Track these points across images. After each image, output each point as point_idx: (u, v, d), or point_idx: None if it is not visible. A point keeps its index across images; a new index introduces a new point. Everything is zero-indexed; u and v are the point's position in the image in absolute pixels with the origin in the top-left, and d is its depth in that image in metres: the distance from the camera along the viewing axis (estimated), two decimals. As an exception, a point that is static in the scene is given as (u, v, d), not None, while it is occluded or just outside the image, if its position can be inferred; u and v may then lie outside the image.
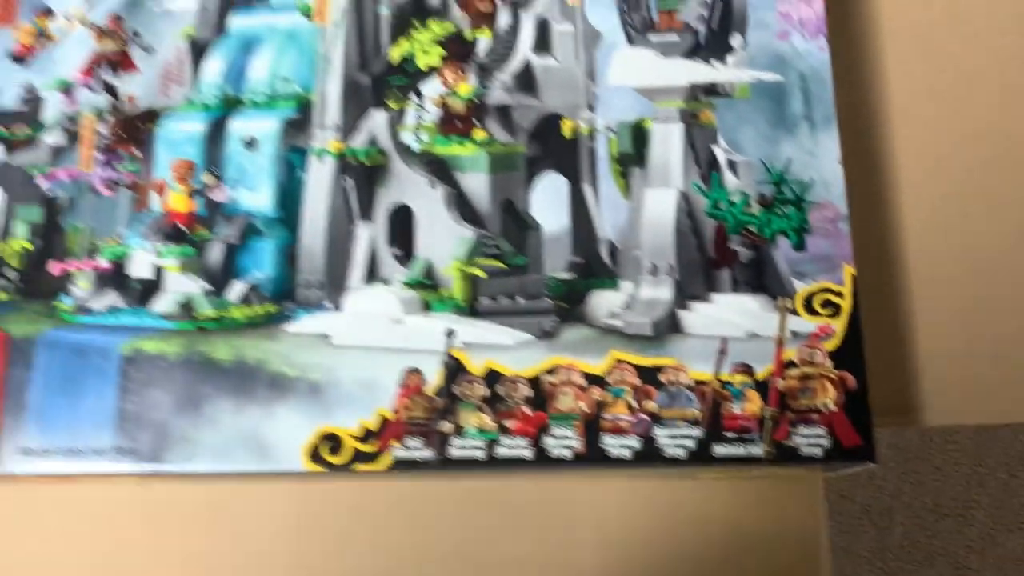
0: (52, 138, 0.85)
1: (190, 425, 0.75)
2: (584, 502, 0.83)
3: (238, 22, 0.89)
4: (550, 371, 0.75)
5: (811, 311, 0.77)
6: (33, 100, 0.86)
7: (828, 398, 0.74)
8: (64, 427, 0.76)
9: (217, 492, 0.83)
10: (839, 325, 0.76)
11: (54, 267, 0.81)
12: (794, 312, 0.76)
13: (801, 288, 0.77)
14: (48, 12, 0.87)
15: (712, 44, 0.83)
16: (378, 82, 0.85)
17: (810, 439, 0.73)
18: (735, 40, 0.83)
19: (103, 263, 0.81)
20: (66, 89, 0.85)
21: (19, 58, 0.86)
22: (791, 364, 0.75)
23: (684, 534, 0.84)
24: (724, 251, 0.79)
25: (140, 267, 0.82)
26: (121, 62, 0.85)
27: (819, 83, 0.82)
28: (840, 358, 0.75)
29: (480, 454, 0.74)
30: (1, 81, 0.86)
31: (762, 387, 0.74)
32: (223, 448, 0.75)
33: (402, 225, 0.82)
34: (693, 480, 0.84)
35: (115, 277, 0.82)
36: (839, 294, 0.77)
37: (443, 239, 0.80)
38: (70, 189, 0.84)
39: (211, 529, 0.83)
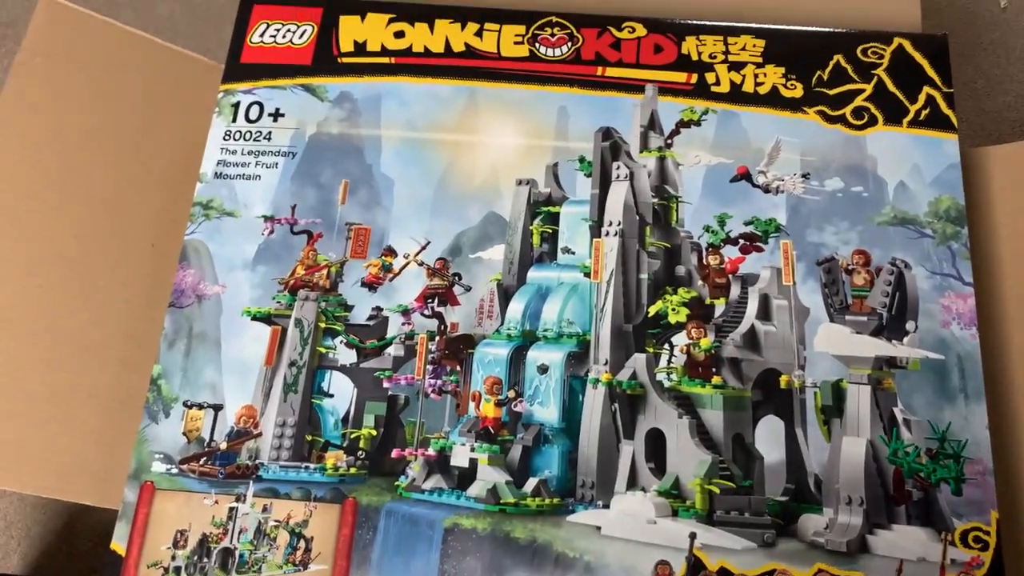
0: (394, 350, 1.12)
1: (494, 588, 1.00)
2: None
3: (535, 274, 1.18)
4: (768, 574, 1.00)
5: (966, 544, 1.01)
6: (380, 319, 1.14)
7: (978, 614, 0.98)
8: (397, 579, 1.01)
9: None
10: (987, 557, 1.00)
11: (394, 452, 1.07)
12: (953, 544, 1.00)
13: (959, 525, 1.01)
14: (391, 251, 1.15)
15: (892, 326, 1.10)
16: (638, 331, 1.13)
17: (963, 643, 0.97)
18: (909, 325, 1.10)
19: (431, 452, 1.07)
20: (405, 312, 1.13)
21: (370, 285, 1.14)
22: (950, 585, 0.99)
23: None
24: (901, 491, 1.04)
25: (459, 458, 1.07)
26: (446, 296, 1.13)
27: (972, 363, 1.08)
28: (987, 583, 0.99)
29: (713, 631, 0.98)
30: (356, 303, 1.15)
31: (928, 602, 0.98)
32: (518, 610, 0.99)
33: (656, 445, 1.08)
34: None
35: (440, 464, 1.07)
36: (987, 532, 1.01)
37: (687, 459, 1.05)
38: (407, 391, 1.11)
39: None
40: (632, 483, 1.06)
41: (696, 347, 1.10)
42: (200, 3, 1.90)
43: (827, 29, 1.28)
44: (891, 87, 1.22)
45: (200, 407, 1.07)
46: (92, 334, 1.16)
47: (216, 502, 1.03)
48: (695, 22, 1.28)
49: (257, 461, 1.06)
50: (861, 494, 1.03)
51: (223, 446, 1.06)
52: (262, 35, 1.27)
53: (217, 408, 1.08)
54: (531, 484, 1.05)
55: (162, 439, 1.06)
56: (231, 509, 1.02)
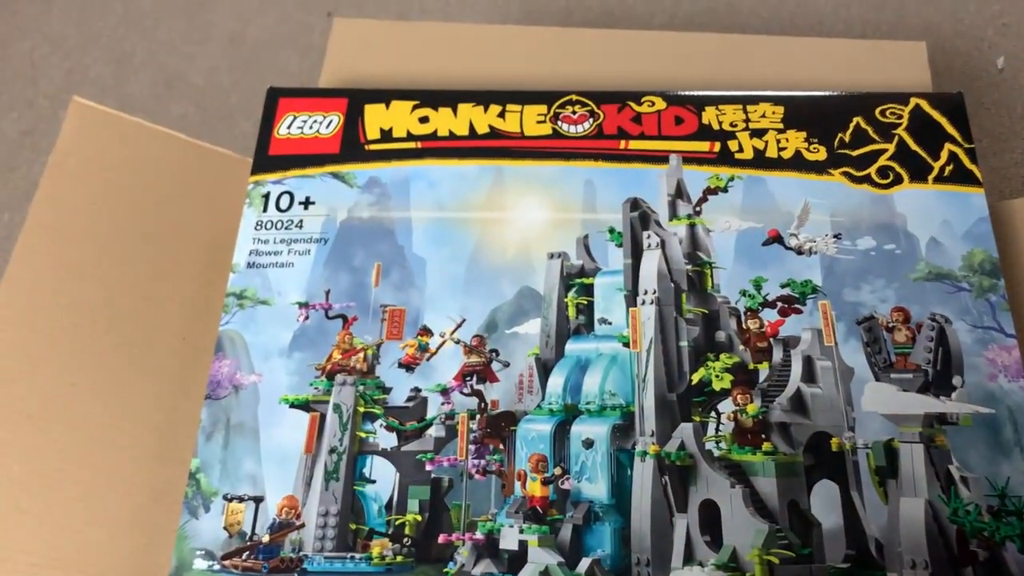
0: (435, 431, 1.10)
1: (553, 675, 0.96)
2: None
3: (573, 347, 1.17)
4: (837, 646, 0.96)
5: (1040, 605, 0.97)
6: (419, 400, 1.12)
7: None
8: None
9: None
10: (1064, 617, 0.96)
11: (441, 537, 1.04)
12: (1027, 606, 0.97)
13: (1030, 586, 0.98)
14: (427, 331, 1.14)
15: (938, 382, 1.09)
16: (683, 399, 1.11)
17: None
18: (956, 380, 1.08)
19: (479, 536, 1.04)
20: (444, 392, 1.12)
21: (407, 366, 1.13)
22: (1027, 650, 0.95)
23: None
24: (966, 552, 1.01)
25: (508, 541, 1.03)
26: (485, 373, 1.12)
27: (1023, 416, 1.07)
28: (1065, 645, 0.95)
29: None
30: (394, 385, 1.14)
31: (1005, 668, 0.94)
32: None
33: (710, 517, 1.04)
34: None
35: (489, 548, 1.04)
36: (1061, 591, 0.98)
37: (744, 530, 1.02)
38: (450, 473, 1.09)
39: None
40: (689, 558, 1.02)
41: (743, 413, 1.08)
42: (212, 103, 1.94)
43: (844, 92, 1.30)
44: (913, 145, 1.24)
45: (240, 500, 1.05)
46: (124, 430, 1.14)
47: (260, 598, 1.00)
48: (712, 93, 1.30)
49: (301, 553, 1.03)
50: (925, 557, 1.00)
51: (265, 539, 1.03)
52: (289, 127, 1.29)
53: (258, 500, 1.05)
54: (584, 564, 1.02)
55: (203, 535, 1.04)
56: (276, 605, 0.99)
